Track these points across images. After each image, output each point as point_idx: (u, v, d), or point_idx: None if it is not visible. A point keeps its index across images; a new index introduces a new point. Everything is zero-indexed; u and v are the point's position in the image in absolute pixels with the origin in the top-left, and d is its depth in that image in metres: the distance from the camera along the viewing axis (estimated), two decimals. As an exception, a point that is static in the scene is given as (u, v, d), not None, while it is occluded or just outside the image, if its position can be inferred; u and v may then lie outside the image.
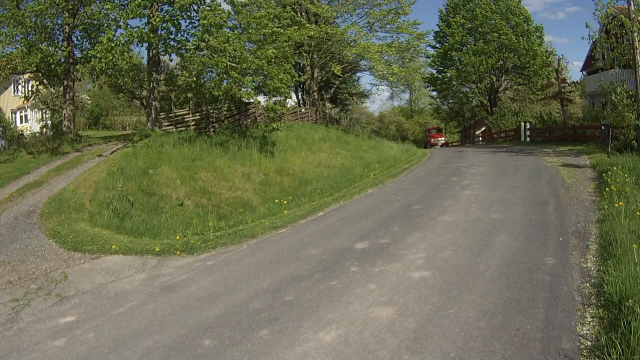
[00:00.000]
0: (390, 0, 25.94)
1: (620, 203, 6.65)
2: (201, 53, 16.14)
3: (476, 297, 4.39)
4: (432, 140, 33.89)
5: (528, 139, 25.67)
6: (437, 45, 37.01)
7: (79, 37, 18.81)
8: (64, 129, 18.52)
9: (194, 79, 16.78)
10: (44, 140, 18.20)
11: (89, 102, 39.60)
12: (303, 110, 27.98)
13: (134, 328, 4.55)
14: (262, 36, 16.48)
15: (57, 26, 17.90)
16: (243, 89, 16.23)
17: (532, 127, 27.01)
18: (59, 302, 5.53)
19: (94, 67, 15.93)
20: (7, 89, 30.61)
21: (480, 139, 37.98)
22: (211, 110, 19.59)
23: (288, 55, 18.07)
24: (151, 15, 16.11)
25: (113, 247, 7.55)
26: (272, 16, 16.80)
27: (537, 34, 33.47)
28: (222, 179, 13.41)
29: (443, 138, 34.89)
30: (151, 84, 18.53)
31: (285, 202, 10.51)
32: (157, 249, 7.42)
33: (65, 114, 18.57)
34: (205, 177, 13.13)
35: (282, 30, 17.48)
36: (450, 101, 40.98)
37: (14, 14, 16.26)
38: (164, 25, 16.54)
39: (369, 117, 53.46)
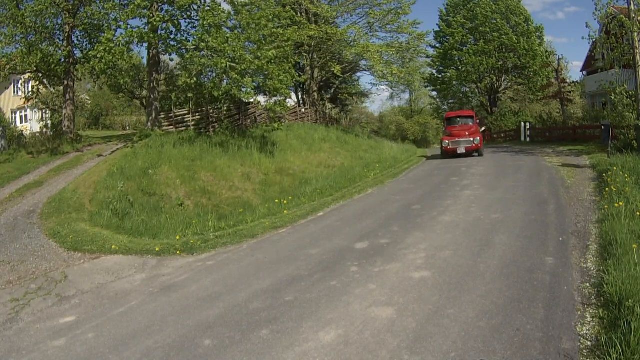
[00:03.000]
0: (390, 0, 25.96)
1: (620, 203, 6.65)
2: (201, 53, 16.15)
3: (476, 297, 4.39)
4: (449, 144, 18.36)
5: (528, 139, 25.69)
6: (437, 45, 37.04)
7: (79, 37, 18.83)
8: (64, 129, 18.53)
9: (194, 79, 16.80)
10: (44, 140, 18.21)
11: (89, 102, 39.59)
12: (303, 110, 27.99)
13: (134, 328, 4.55)
14: (261, 36, 16.49)
15: (57, 26, 17.90)
16: (243, 90, 16.24)
17: (532, 127, 27.04)
18: (59, 302, 5.53)
19: (94, 67, 15.94)
20: (7, 89, 30.60)
21: (480, 138, 37.90)
22: (211, 111, 19.59)
23: (288, 55, 18.08)
24: (151, 15, 16.11)
25: (113, 247, 7.55)
26: (271, 16, 16.80)
27: (537, 34, 33.49)
28: (222, 179, 13.41)
29: (471, 139, 18.06)
30: (151, 84, 18.53)
31: (285, 202, 10.51)
32: (157, 249, 7.42)
33: (65, 114, 18.57)
34: (205, 177, 13.13)
35: (281, 31, 17.49)
36: (450, 101, 40.97)
37: (14, 14, 16.26)
38: (164, 25, 16.54)
39: (369, 117, 53.43)
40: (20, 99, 27.31)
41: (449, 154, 18.59)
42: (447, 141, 18.67)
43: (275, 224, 8.71)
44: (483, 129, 38.23)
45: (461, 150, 18.12)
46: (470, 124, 19.28)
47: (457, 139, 18.41)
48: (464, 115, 20.87)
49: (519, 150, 20.20)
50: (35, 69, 17.46)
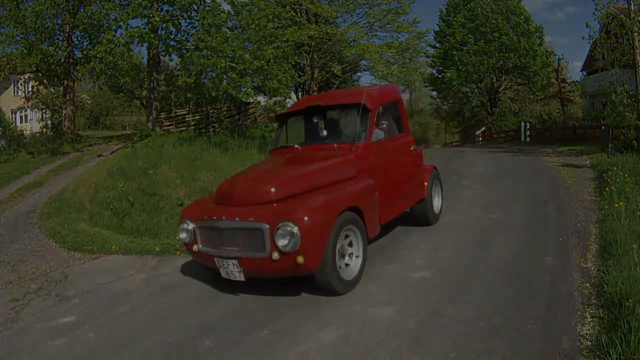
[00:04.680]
0: (390, 0, 25.98)
1: (621, 203, 6.64)
2: (201, 53, 16.17)
3: (476, 297, 4.39)
4: (189, 236, 4.89)
5: (528, 139, 25.69)
6: (437, 45, 37.05)
7: (79, 37, 18.84)
8: (64, 129, 18.53)
9: (193, 79, 16.83)
10: (44, 140, 18.22)
11: (89, 102, 39.60)
12: (303, 110, 27.96)
13: (134, 328, 4.55)
14: (261, 36, 16.50)
15: (57, 26, 17.91)
16: (242, 89, 16.25)
17: (532, 127, 27.04)
18: (59, 302, 5.53)
19: (94, 67, 15.97)
20: (7, 89, 30.63)
21: (480, 139, 37.99)
22: (211, 110, 19.60)
23: (288, 55, 18.09)
24: (151, 16, 16.11)
25: (113, 247, 7.55)
26: (271, 16, 16.81)
27: (537, 34, 33.53)
28: (223, 178, 13.39)
29: (289, 225, 4.01)
30: (151, 84, 18.54)
31: (285, 202, 10.49)
32: (157, 249, 7.42)
33: (65, 114, 18.58)
34: (205, 177, 13.13)
35: (281, 31, 17.51)
36: (450, 101, 40.98)
37: (14, 14, 16.27)
38: (164, 25, 16.54)
39: (369, 117, 53.40)
40: (20, 99, 27.34)
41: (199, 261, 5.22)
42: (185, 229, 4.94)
43: (275, 224, 8.68)
44: (483, 128, 38.26)
45: (229, 270, 4.57)
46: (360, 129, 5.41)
47: (214, 221, 4.57)
48: (335, 105, 5.96)
49: (518, 150, 20.20)
50: (35, 69, 17.47)
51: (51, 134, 20.50)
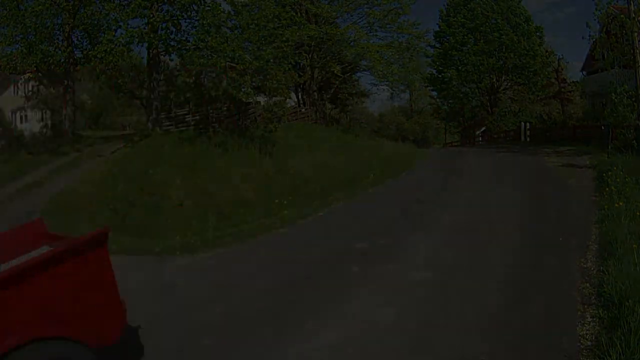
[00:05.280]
0: (390, 0, 25.95)
1: (621, 203, 6.64)
2: (201, 53, 16.14)
3: (476, 297, 4.39)
4: None
5: (528, 139, 25.69)
6: (437, 45, 37.02)
7: (79, 37, 18.82)
8: (64, 129, 18.53)
9: (193, 78, 16.80)
10: (44, 140, 18.21)
11: (89, 102, 39.58)
12: (303, 110, 27.98)
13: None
14: (261, 37, 16.49)
15: (57, 26, 17.89)
16: (242, 90, 16.24)
17: (532, 127, 27.04)
18: (59, 302, 5.52)
19: (94, 67, 15.96)
20: (7, 89, 30.59)
21: (480, 139, 37.95)
22: (211, 111, 19.57)
23: (288, 55, 18.08)
24: (151, 16, 16.09)
25: (113, 247, 7.51)
26: (271, 16, 16.79)
27: (537, 34, 33.53)
28: (222, 179, 13.40)
29: None
30: (151, 83, 18.52)
31: (285, 202, 10.50)
32: (157, 249, 7.42)
33: (65, 114, 18.57)
34: (205, 177, 13.12)
35: (281, 31, 17.49)
36: (450, 101, 40.92)
37: (14, 14, 16.25)
38: (164, 25, 16.52)
39: (369, 117, 53.37)
40: (21, 98, 27.32)
41: None
42: None
43: (275, 223, 8.70)
44: (483, 128, 38.24)
45: None
46: None
47: None
48: None
49: (519, 151, 20.19)
50: (35, 69, 17.46)
51: (51, 134, 20.47)
